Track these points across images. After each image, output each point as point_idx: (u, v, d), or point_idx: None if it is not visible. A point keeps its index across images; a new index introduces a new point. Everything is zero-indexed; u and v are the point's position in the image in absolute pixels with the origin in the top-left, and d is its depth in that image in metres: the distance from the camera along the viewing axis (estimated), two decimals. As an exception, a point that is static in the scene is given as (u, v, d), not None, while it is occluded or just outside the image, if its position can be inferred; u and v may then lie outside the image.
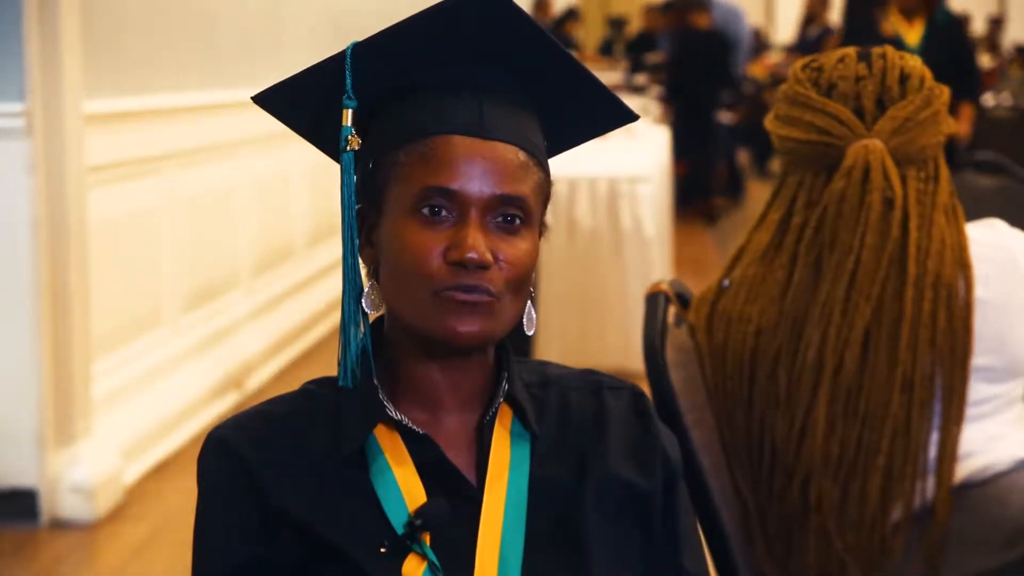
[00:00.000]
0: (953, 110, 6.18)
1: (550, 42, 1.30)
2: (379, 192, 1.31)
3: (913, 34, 5.97)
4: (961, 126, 6.13)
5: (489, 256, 1.26)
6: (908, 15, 6.04)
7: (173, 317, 4.89)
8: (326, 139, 1.35)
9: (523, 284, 1.29)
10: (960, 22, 6.55)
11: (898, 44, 5.75)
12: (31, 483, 3.93)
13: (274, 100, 1.35)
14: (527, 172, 1.29)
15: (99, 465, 4.04)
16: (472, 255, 1.24)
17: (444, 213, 1.27)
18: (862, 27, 6.55)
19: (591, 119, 1.39)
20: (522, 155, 1.29)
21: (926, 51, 5.88)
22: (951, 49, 6.08)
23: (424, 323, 1.27)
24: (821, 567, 2.03)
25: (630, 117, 1.38)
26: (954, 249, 2.01)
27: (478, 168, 1.26)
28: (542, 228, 1.34)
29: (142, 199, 4.65)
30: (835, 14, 12.53)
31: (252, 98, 1.35)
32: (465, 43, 1.29)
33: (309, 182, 6.42)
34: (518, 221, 1.28)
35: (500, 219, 1.28)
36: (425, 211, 1.27)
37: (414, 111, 1.29)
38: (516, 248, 1.28)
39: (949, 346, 1.99)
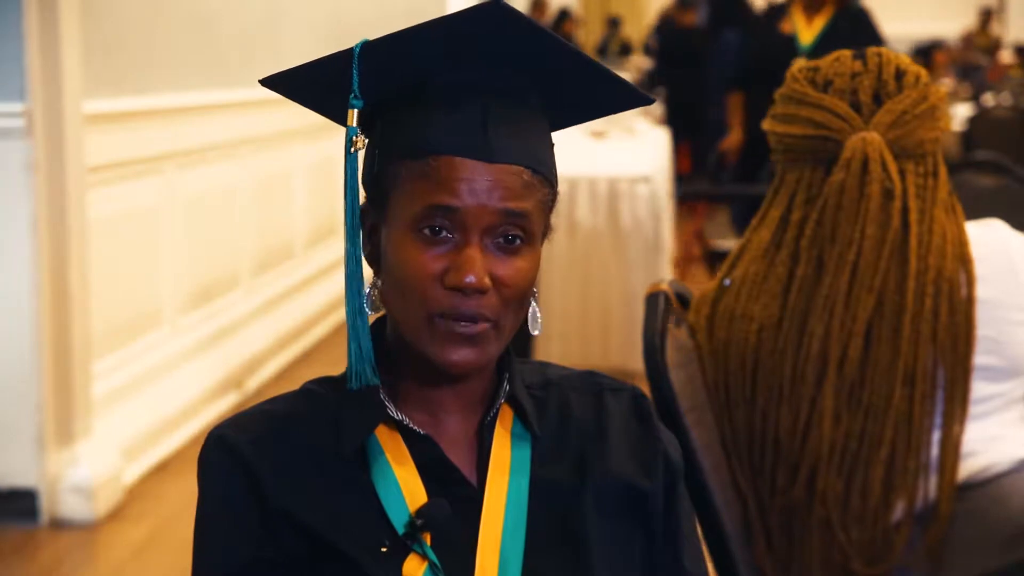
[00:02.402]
0: None
1: (562, 46, 1.29)
2: (381, 197, 1.30)
3: (809, 33, 5.49)
4: None
5: (487, 281, 1.25)
6: (808, 12, 5.54)
7: (173, 317, 4.89)
8: (333, 116, 1.34)
9: (522, 302, 1.29)
10: (866, 17, 5.65)
11: (792, 43, 5.39)
12: (31, 483, 3.93)
13: (281, 85, 1.34)
14: (531, 191, 1.28)
15: (99, 465, 4.04)
16: (470, 279, 1.24)
17: (444, 233, 1.26)
18: (764, 26, 6.12)
19: (601, 102, 1.39)
20: (527, 174, 1.27)
21: (819, 52, 5.41)
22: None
23: (420, 345, 1.27)
24: (823, 561, 2.04)
25: (645, 100, 1.38)
26: (955, 245, 2.02)
27: (481, 187, 1.25)
28: (546, 232, 1.33)
29: (142, 199, 4.65)
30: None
31: (260, 81, 1.34)
32: (473, 52, 1.28)
33: (309, 182, 6.42)
34: (519, 240, 1.27)
35: (500, 239, 1.27)
36: (426, 231, 1.26)
37: (419, 123, 1.28)
38: (515, 268, 1.27)
39: (951, 341, 2.00)
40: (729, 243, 5.74)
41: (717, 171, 5.79)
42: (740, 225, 5.81)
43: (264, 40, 6.01)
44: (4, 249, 3.88)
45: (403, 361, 1.32)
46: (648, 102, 1.38)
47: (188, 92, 5.15)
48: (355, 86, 1.27)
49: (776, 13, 5.79)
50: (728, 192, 5.80)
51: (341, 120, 1.30)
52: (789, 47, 5.38)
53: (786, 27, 5.53)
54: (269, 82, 1.34)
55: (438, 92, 1.28)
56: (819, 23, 5.43)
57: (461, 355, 1.26)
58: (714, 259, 5.61)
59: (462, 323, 1.25)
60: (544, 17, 13.01)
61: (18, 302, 3.87)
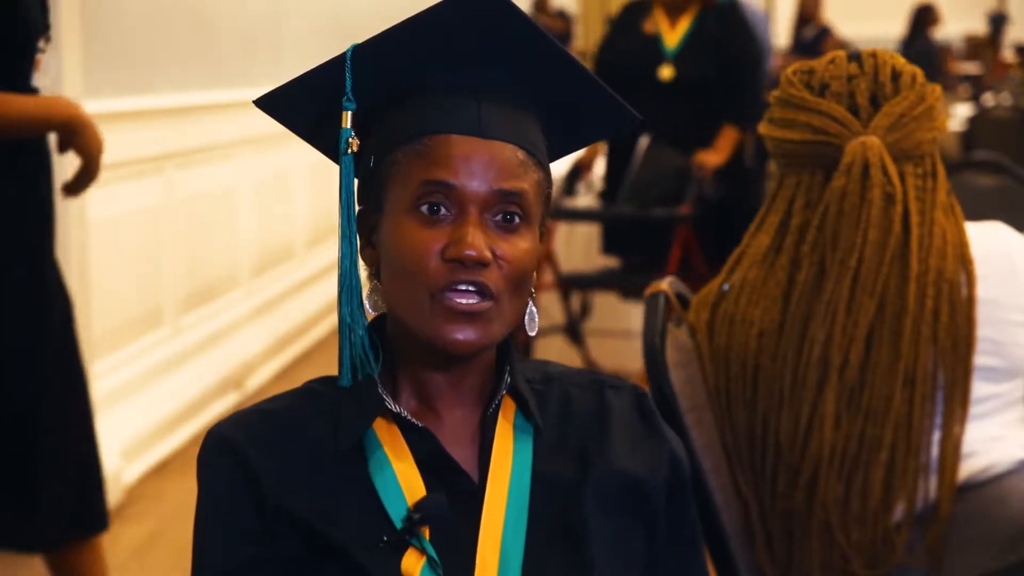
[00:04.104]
0: (710, 137, 4.89)
1: (549, 42, 1.30)
2: (379, 193, 1.31)
3: (673, 36, 4.97)
4: (712, 156, 4.88)
5: (488, 254, 1.26)
6: (670, 13, 4.99)
7: (173, 317, 4.90)
8: (327, 141, 1.35)
9: (523, 283, 1.29)
10: (734, 12, 5.06)
11: (656, 45, 4.96)
12: (31, 483, 3.93)
13: (275, 103, 1.35)
14: (526, 170, 1.29)
15: (99, 465, 4.03)
16: (471, 252, 1.24)
17: (443, 211, 1.27)
18: (626, 27, 5.16)
19: (593, 121, 1.40)
20: (521, 154, 1.29)
21: (684, 57, 4.92)
22: (723, 54, 4.91)
23: (421, 329, 1.28)
24: (824, 564, 2.04)
25: (632, 120, 1.39)
26: (955, 246, 2.02)
27: (477, 165, 1.26)
28: (543, 229, 1.34)
29: (142, 199, 4.65)
30: (830, 13, 12.49)
31: (254, 102, 1.36)
32: (463, 44, 1.29)
33: (309, 182, 6.42)
34: (517, 219, 1.28)
35: (499, 217, 1.28)
36: (424, 209, 1.27)
37: (413, 112, 1.30)
38: (515, 247, 1.28)
39: (951, 342, 2.00)
40: (601, 262, 5.25)
41: (570, 186, 5.30)
42: (610, 248, 5.18)
43: (264, 40, 6.01)
44: (4, 249, 3.87)
45: (403, 356, 1.33)
46: (636, 122, 1.39)
47: (188, 92, 5.15)
48: (348, 89, 1.29)
49: (637, 12, 5.15)
50: (591, 214, 5.17)
51: (334, 156, 1.31)
52: (653, 50, 4.97)
53: (648, 27, 5.03)
54: (263, 103, 1.35)
55: (431, 86, 1.30)
56: (684, 24, 4.97)
57: (464, 333, 1.26)
58: (568, 285, 5.16)
59: (463, 297, 1.26)
60: (546, 16, 13.01)
61: (18, 302, 3.86)
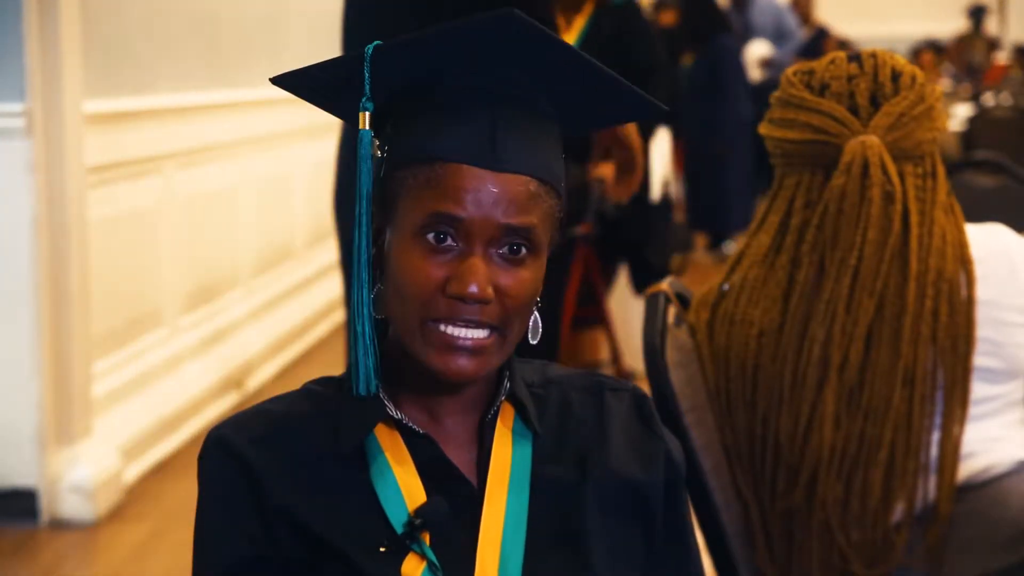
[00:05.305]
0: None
1: (575, 56, 1.29)
2: (387, 201, 1.30)
3: (569, 36, 4.67)
4: (611, 169, 4.54)
5: (490, 291, 1.25)
6: (566, 12, 4.72)
7: (173, 317, 4.90)
8: (342, 114, 1.34)
9: (524, 313, 1.29)
10: (632, 10, 4.81)
11: None
12: (31, 483, 3.93)
13: (291, 84, 1.34)
14: (537, 202, 1.28)
15: (99, 465, 4.04)
16: (473, 289, 1.24)
17: (449, 241, 1.26)
18: None
19: (613, 113, 1.39)
20: (534, 185, 1.27)
21: None
22: (619, 53, 4.61)
23: (417, 352, 1.28)
24: (823, 564, 2.04)
25: (657, 111, 1.37)
26: (955, 246, 2.02)
27: (487, 198, 1.25)
28: (552, 243, 1.33)
29: (142, 199, 4.65)
30: (833, 13, 12.49)
31: (271, 80, 1.34)
32: (485, 58, 1.28)
33: (309, 182, 6.42)
34: (524, 251, 1.27)
35: (505, 250, 1.27)
36: (430, 237, 1.26)
37: (427, 129, 1.28)
38: (519, 279, 1.27)
39: (951, 342, 2.00)
40: None
41: None
42: None
43: (264, 40, 6.01)
44: (4, 249, 3.88)
45: (403, 362, 1.32)
46: (660, 113, 1.38)
47: (188, 92, 5.15)
48: (367, 89, 1.27)
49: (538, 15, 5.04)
50: None
51: (349, 118, 1.30)
52: None
53: None
54: (279, 81, 1.34)
55: (448, 98, 1.28)
56: (579, 24, 4.73)
57: (460, 364, 1.26)
58: None
59: (462, 330, 1.26)
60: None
61: (18, 302, 3.87)
